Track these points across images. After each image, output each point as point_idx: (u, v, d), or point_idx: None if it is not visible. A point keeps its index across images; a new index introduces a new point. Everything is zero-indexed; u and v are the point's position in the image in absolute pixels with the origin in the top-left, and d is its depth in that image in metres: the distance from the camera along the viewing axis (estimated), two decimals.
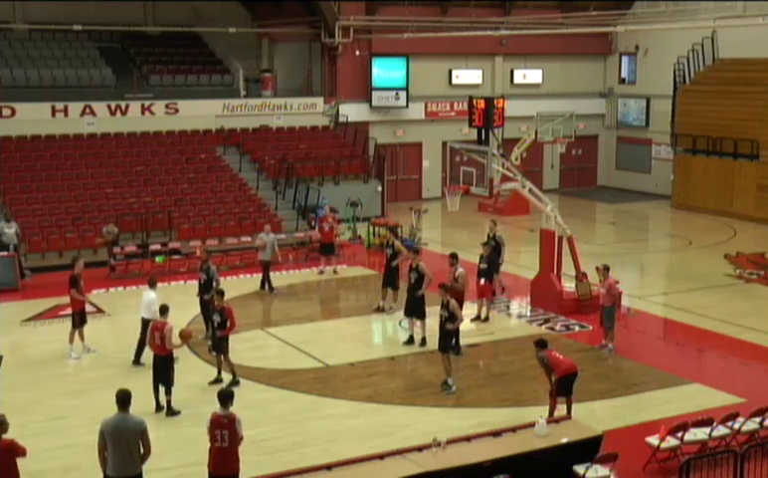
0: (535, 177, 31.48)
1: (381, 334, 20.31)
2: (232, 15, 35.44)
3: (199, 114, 32.27)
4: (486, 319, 20.18)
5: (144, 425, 10.36)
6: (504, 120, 22.21)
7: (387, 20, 34.44)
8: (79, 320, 17.80)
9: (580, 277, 20.87)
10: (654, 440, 12.71)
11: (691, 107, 34.78)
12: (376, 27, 35.09)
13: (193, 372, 16.72)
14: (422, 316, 18.39)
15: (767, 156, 32.14)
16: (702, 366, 18.03)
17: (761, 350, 18.43)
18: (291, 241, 27.04)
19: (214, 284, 18.33)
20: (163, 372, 14.79)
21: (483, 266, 20.09)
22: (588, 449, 11.88)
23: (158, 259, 24.82)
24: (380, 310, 20.87)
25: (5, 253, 23.63)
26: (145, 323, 16.42)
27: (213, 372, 16.35)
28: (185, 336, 15.58)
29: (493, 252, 20.84)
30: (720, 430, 13.06)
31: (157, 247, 25.34)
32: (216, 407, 11.04)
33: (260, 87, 34.82)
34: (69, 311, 18.44)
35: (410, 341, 18.56)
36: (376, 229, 28.23)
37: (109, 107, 30.76)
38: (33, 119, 29.67)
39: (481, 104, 20.70)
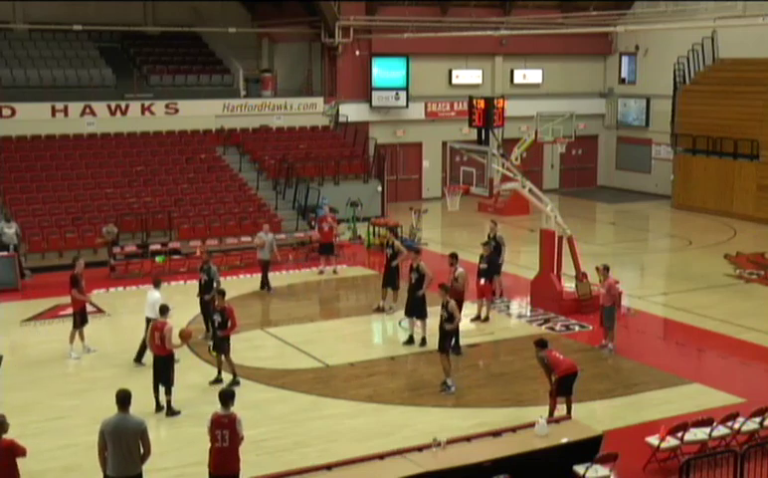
0: (535, 177, 31.48)
1: (381, 334, 20.31)
2: (232, 15, 35.44)
3: (199, 114, 32.27)
4: (486, 319, 20.18)
5: (144, 425, 10.36)
6: (504, 120, 22.22)
7: (387, 20, 34.44)
8: (80, 320, 17.80)
9: (580, 277, 20.88)
10: (654, 440, 12.71)
11: (691, 107, 34.78)
12: (376, 27, 35.09)
13: (193, 372, 16.73)
14: (423, 316, 18.39)
15: (767, 156, 32.14)
16: (702, 366, 18.03)
17: (761, 350, 18.43)
18: (291, 241, 27.04)
19: (215, 284, 18.34)
20: (163, 372, 14.79)
21: (483, 266, 20.09)
22: (588, 449, 11.88)
23: (158, 259, 24.82)
24: (380, 310, 20.87)
25: (5, 253, 23.63)
26: (148, 322, 16.39)
27: (213, 372, 16.36)
28: (185, 336, 15.58)
29: (494, 252, 20.85)
30: (720, 430, 13.05)
31: (157, 247, 25.34)
32: (216, 407, 11.04)
33: (260, 87, 34.82)
34: (69, 311, 18.46)
35: (410, 341, 18.56)
36: (376, 229, 28.23)
37: (109, 107, 30.76)
38: (33, 118, 29.67)
39: (481, 104, 20.70)
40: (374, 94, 35.69)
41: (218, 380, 15.98)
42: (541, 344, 14.32)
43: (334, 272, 24.82)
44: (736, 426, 13.14)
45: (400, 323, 19.80)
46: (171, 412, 14.75)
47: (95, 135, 30.52)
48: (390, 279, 20.85)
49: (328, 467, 11.04)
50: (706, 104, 34.00)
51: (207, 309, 18.51)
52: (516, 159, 32.21)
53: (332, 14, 33.95)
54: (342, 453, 12.28)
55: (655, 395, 15.81)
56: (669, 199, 35.97)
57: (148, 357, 16.05)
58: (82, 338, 17.83)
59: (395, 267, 20.76)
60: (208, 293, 18.44)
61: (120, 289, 23.27)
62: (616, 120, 40.22)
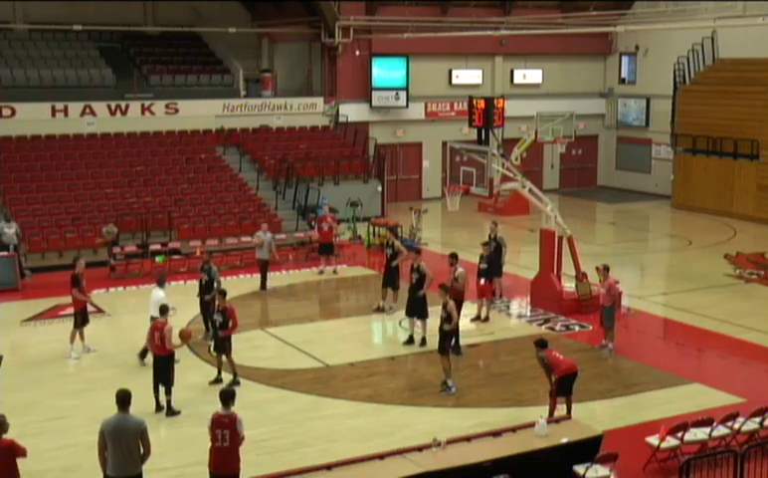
0: (535, 177, 31.48)
1: (381, 334, 20.31)
2: (232, 15, 35.44)
3: (199, 114, 32.27)
4: (486, 319, 20.18)
5: (144, 425, 10.36)
6: (504, 120, 22.21)
7: (387, 20, 34.44)
8: (80, 319, 17.80)
9: (580, 277, 20.87)
10: (654, 440, 12.71)
11: (691, 107, 34.78)
12: (376, 27, 35.10)
13: (193, 372, 16.73)
14: (423, 316, 18.38)
15: (767, 156, 32.14)
16: (702, 366, 18.03)
17: (761, 350, 18.43)
18: (291, 241, 27.05)
19: (215, 284, 18.35)
20: (163, 372, 14.79)
21: (484, 266, 20.09)
22: (588, 449, 11.88)
23: (158, 259, 24.82)
24: (380, 310, 20.87)
25: (5, 253, 23.63)
26: (153, 321, 16.36)
27: (213, 372, 16.36)
28: (185, 336, 15.59)
29: (494, 253, 20.85)
30: (720, 430, 13.05)
31: (157, 247, 25.34)
32: (216, 407, 11.04)
33: (260, 87, 34.82)
34: (69, 311, 18.46)
35: (410, 341, 18.56)
36: (376, 229, 28.23)
37: (109, 107, 30.76)
38: (33, 118, 29.67)
39: (481, 104, 20.70)
40: (374, 94, 35.69)
41: (218, 380, 15.98)
42: (541, 344, 14.32)
43: (334, 272, 24.82)
44: (736, 426, 13.14)
45: (400, 323, 19.80)
46: (171, 412, 14.75)
47: (95, 135, 30.52)
48: (390, 279, 20.85)
49: (328, 467, 11.04)
50: (706, 104, 34.00)
51: (207, 309, 18.53)
52: (516, 159, 32.21)
53: (332, 14, 33.95)
54: (342, 453, 12.28)
55: (655, 395, 15.81)
56: (669, 199, 35.97)
57: (151, 356, 16.04)
58: (82, 338, 17.84)
59: (395, 267, 20.76)
60: (208, 293, 18.44)
61: (120, 289, 23.27)
62: (616, 120, 40.22)
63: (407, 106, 36.05)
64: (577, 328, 19.78)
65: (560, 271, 21.09)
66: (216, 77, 34.38)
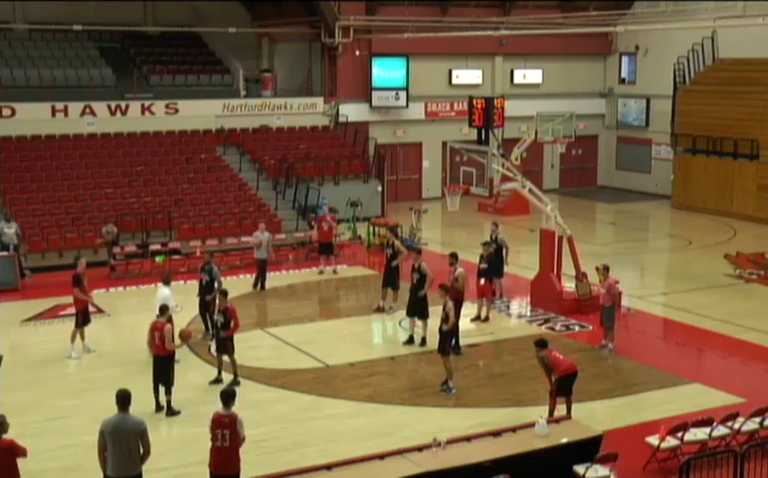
0: (535, 177, 31.48)
1: (381, 334, 20.31)
2: (232, 15, 35.44)
3: (199, 114, 32.27)
4: (486, 319, 20.18)
5: (144, 425, 10.36)
6: (504, 120, 22.19)
7: (387, 20, 34.44)
8: (82, 319, 17.80)
9: (580, 277, 20.87)
10: (654, 440, 12.71)
11: (691, 107, 34.78)
12: (376, 27, 35.10)
13: (193, 372, 16.74)
14: (424, 316, 18.38)
15: (767, 156, 32.14)
16: (702, 366, 18.03)
17: (761, 350, 18.43)
18: (291, 241, 27.05)
19: (216, 285, 18.36)
20: (163, 372, 14.79)
21: (484, 266, 20.09)
22: (588, 449, 11.88)
23: (158, 259, 24.82)
24: (380, 310, 20.87)
25: (5, 253, 23.63)
26: None
27: (213, 372, 16.37)
28: (185, 336, 15.60)
29: (495, 254, 20.85)
30: (720, 430, 13.06)
31: (157, 247, 25.34)
32: (216, 407, 11.04)
33: (260, 87, 34.82)
34: (69, 311, 18.48)
35: (410, 341, 18.56)
36: (376, 229, 28.23)
37: (109, 107, 30.76)
38: (33, 118, 29.67)
39: (481, 104, 20.69)
40: (374, 94, 35.69)
41: (218, 380, 15.99)
42: (541, 344, 14.32)
43: (334, 272, 24.82)
44: (736, 426, 13.14)
45: (400, 323, 19.81)
46: (171, 412, 14.75)
47: (95, 135, 30.52)
48: (390, 279, 20.84)
49: (328, 467, 11.04)
50: (706, 104, 34.00)
51: (207, 309, 18.54)
52: (516, 159, 32.20)
53: (332, 14, 33.95)
54: (342, 453, 12.28)
55: (655, 395, 15.81)
56: (669, 199, 35.97)
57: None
58: (82, 337, 17.83)
59: (395, 267, 20.76)
60: (209, 293, 18.46)
61: (120, 289, 23.27)
62: (616, 120, 40.22)
63: (407, 106, 36.05)
64: (577, 328, 19.78)
65: (560, 271, 21.09)
66: (216, 77, 34.38)
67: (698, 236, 30.26)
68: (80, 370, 17.35)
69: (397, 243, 21.30)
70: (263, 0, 35.92)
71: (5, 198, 26.75)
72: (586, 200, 37.70)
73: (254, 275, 23.23)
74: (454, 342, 16.81)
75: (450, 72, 37.37)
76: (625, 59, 40.34)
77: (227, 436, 10.74)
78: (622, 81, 40.57)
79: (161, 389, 14.83)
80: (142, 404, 13.38)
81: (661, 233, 32.94)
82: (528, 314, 21.09)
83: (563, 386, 13.99)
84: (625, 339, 18.72)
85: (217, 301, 16.89)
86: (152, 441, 10.45)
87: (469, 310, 19.65)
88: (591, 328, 19.45)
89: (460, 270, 18.18)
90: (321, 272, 24.84)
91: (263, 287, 22.96)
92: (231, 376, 16.01)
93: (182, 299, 20.18)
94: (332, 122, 34.84)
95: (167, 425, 14.49)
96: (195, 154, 31.02)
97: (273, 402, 15.45)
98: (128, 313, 21.15)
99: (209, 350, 17.69)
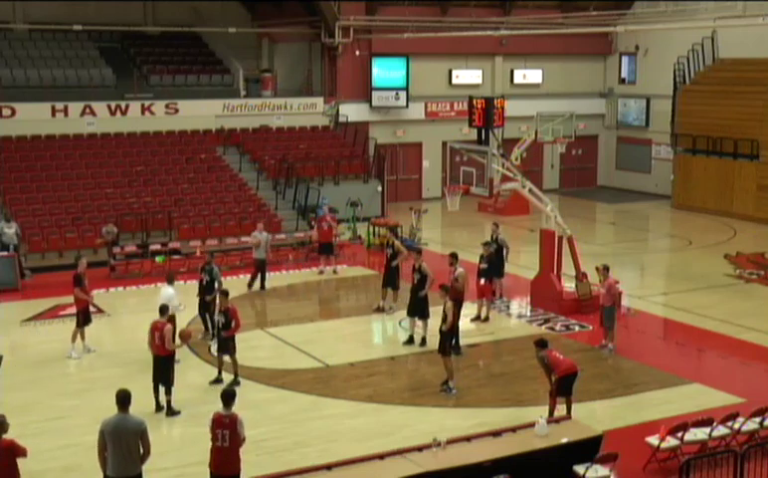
0: (535, 177, 31.48)
1: (381, 334, 20.31)
2: (232, 15, 35.44)
3: (199, 114, 32.27)
4: (486, 319, 20.18)
5: (144, 425, 10.35)
6: (504, 120, 22.19)
7: (387, 20, 34.44)
8: (83, 319, 17.80)
9: (580, 277, 20.87)
10: (654, 440, 12.71)
11: (691, 107, 34.78)
12: (376, 27, 35.09)
13: (193, 372, 16.74)
14: (424, 316, 18.38)
15: (767, 156, 32.14)
16: (702, 366, 18.03)
17: (761, 350, 18.43)
18: (291, 241, 27.05)
19: (216, 285, 18.36)
20: (163, 372, 14.79)
21: (484, 266, 20.09)
22: (588, 449, 11.88)
23: (158, 259, 24.82)
24: (380, 310, 20.87)
25: (5, 253, 23.63)
26: None
27: (213, 372, 16.37)
28: (185, 336, 15.60)
29: (495, 254, 20.85)
30: (720, 430, 13.06)
31: (157, 247, 25.34)
32: (216, 407, 11.04)
33: (260, 87, 34.82)
34: (69, 310, 18.49)
35: (410, 341, 18.56)
36: (376, 229, 28.23)
37: (109, 107, 30.76)
38: (33, 118, 29.67)
39: (481, 104, 20.69)
40: (374, 94, 35.69)
41: (218, 380, 15.99)
42: (541, 343, 14.32)
43: (334, 272, 24.82)
44: (736, 426, 13.14)
45: (400, 323, 19.80)
46: (171, 412, 14.75)
47: (95, 135, 30.53)
48: (390, 279, 20.84)
49: (328, 467, 11.04)
50: (706, 104, 34.00)
51: (207, 309, 18.54)
52: (516, 159, 32.20)
53: (332, 14, 33.95)
54: (342, 453, 12.28)
55: (655, 395, 15.81)
56: (669, 199, 35.97)
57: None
58: (83, 337, 17.83)
59: (395, 267, 20.75)
60: (209, 293, 18.45)
61: (120, 289, 23.28)
62: (616, 120, 40.22)
63: (407, 106, 36.05)
64: (577, 328, 19.78)
65: (560, 271, 21.09)
66: (216, 77, 34.38)
67: (698, 236, 30.27)
68: (80, 370, 17.35)
69: (397, 243, 21.30)
70: (263, 0, 35.92)
71: (5, 198, 26.75)
72: (586, 200, 37.70)
73: (250, 275, 23.18)
74: (454, 342, 16.81)
75: (450, 72, 37.37)
76: (625, 59, 40.34)
77: (227, 436, 10.74)
78: (622, 81, 40.57)
79: (161, 389, 14.83)
80: (142, 404, 13.37)
81: (661, 233, 32.94)
82: (528, 314, 21.09)
83: (563, 386, 13.99)
84: (625, 339, 18.72)
85: (218, 301, 16.90)
86: (152, 441, 10.45)
87: (469, 310, 19.66)
88: (591, 328, 19.45)
89: (460, 270, 18.18)
90: (321, 272, 24.84)
91: (263, 287, 22.96)
92: (231, 377, 16.00)
93: (182, 299, 20.19)
94: (332, 122, 34.84)
95: (167, 425, 14.49)
96: (195, 154, 31.01)
97: (273, 402, 15.45)
98: (128, 313, 21.15)
99: (209, 350, 17.70)
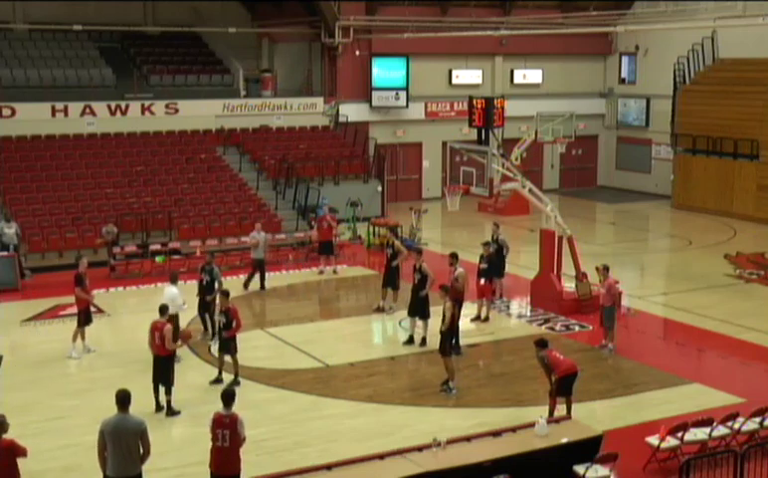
0: (535, 177, 31.48)
1: (381, 334, 20.31)
2: (232, 15, 35.44)
3: (199, 114, 32.27)
4: (486, 319, 20.18)
5: (144, 426, 10.35)
6: (504, 120, 22.20)
7: (387, 20, 34.44)
8: (84, 319, 17.80)
9: (580, 277, 20.87)
10: (654, 440, 12.71)
11: (691, 107, 34.78)
12: (376, 27, 35.10)
13: (193, 372, 16.74)
14: (425, 316, 18.38)
15: (767, 156, 32.14)
16: (702, 366, 18.03)
17: (761, 350, 18.43)
18: (291, 241, 27.05)
19: (216, 285, 18.35)
20: (163, 372, 14.79)
21: (484, 266, 20.09)
22: (588, 449, 11.89)
23: (158, 259, 24.83)
24: (380, 310, 20.87)
25: (5, 253, 23.63)
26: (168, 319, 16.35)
27: (213, 372, 16.37)
28: (185, 336, 15.60)
29: (495, 254, 20.85)
30: (720, 430, 13.06)
31: (157, 247, 25.34)
32: (216, 407, 11.04)
33: (260, 87, 34.82)
34: (69, 310, 18.50)
35: (410, 341, 18.56)
36: (376, 229, 28.23)
37: (109, 107, 30.76)
38: (33, 118, 29.66)
39: (481, 104, 20.69)
40: (374, 94, 35.69)
41: (218, 380, 15.98)
42: (541, 343, 14.32)
43: (334, 272, 24.82)
44: (736, 426, 13.14)
45: (400, 323, 19.80)
46: (171, 412, 14.75)
47: (95, 135, 30.52)
48: (390, 279, 20.84)
49: (328, 467, 11.04)
50: (706, 104, 34.00)
51: (207, 309, 18.54)
52: (516, 159, 32.20)
53: (332, 14, 33.95)
54: (342, 453, 12.28)
55: (655, 395, 15.81)
56: (669, 199, 35.97)
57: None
58: (83, 337, 17.83)
59: (395, 267, 20.75)
60: (209, 294, 18.46)
61: (120, 289, 23.27)
62: (616, 120, 40.22)
63: (407, 106, 36.05)
64: (577, 328, 19.78)
65: (560, 271, 21.08)
66: (216, 77, 34.38)
67: (698, 236, 30.27)
68: (80, 370, 17.35)
69: (397, 243, 21.30)
70: (263, 0, 35.92)
71: (5, 198, 26.75)
72: (586, 200, 37.70)
73: (255, 275, 23.17)
74: (454, 342, 16.80)
75: (450, 72, 37.37)
76: (625, 59, 40.34)
77: (227, 436, 10.74)
78: (622, 81, 40.57)
79: (161, 389, 14.83)
80: (142, 404, 13.37)
81: (661, 233, 32.94)
82: (528, 314, 21.09)
83: (563, 386, 13.99)
84: (625, 339, 18.72)
85: (218, 301, 16.89)
86: (152, 441, 10.44)
87: (469, 310, 19.66)
88: (591, 328, 19.45)
89: (460, 270, 18.18)
90: (321, 272, 24.84)
91: (262, 287, 22.96)
92: (231, 377, 16.00)
93: (186, 298, 20.20)
94: (332, 122, 34.84)
95: (167, 425, 14.48)
96: (195, 154, 31.01)
97: (273, 402, 15.45)
98: (128, 313, 21.16)
99: (209, 350, 17.71)
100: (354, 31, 34.79)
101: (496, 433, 12.17)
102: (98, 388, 15.41)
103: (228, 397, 10.99)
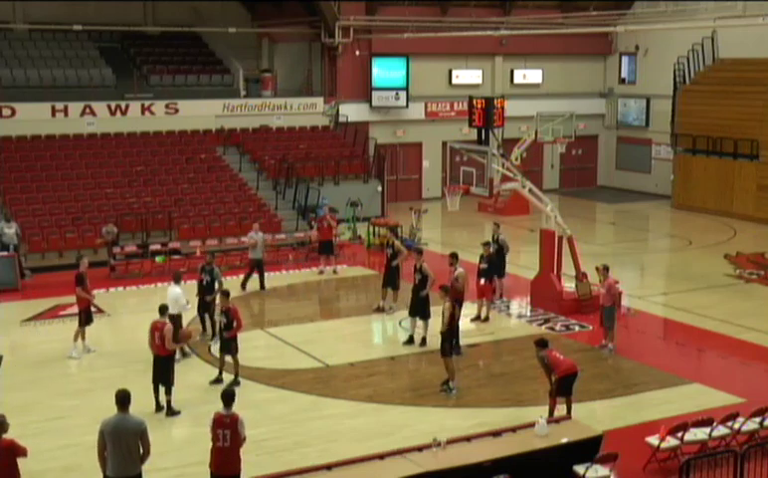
0: (535, 177, 31.48)
1: (381, 334, 20.31)
2: (232, 15, 35.44)
3: (199, 114, 32.27)
4: (486, 319, 20.18)
5: (144, 426, 10.35)
6: (504, 120, 22.20)
7: (387, 20, 34.44)
8: (85, 318, 17.80)
9: (580, 277, 20.87)
10: (654, 440, 12.71)
11: (691, 107, 34.78)
12: (376, 27, 35.10)
13: (193, 372, 16.73)
14: (425, 316, 18.38)
15: (767, 156, 32.14)
16: (702, 366, 18.03)
17: (761, 350, 18.43)
18: (291, 241, 27.05)
19: (216, 285, 18.35)
20: (163, 372, 14.79)
21: (484, 266, 20.09)
22: (588, 449, 11.89)
23: (158, 259, 24.83)
24: (380, 310, 20.87)
25: (5, 253, 23.63)
26: (171, 319, 16.29)
27: (213, 372, 16.37)
28: (184, 336, 15.59)
29: (496, 254, 20.85)
30: (720, 430, 13.06)
31: (157, 247, 25.34)
32: (216, 407, 11.05)
33: (260, 87, 34.82)
34: (69, 310, 18.49)
35: (410, 341, 18.56)
36: (376, 229, 28.23)
37: (109, 107, 30.76)
38: (33, 118, 29.66)
39: (481, 104, 20.69)
40: (374, 94, 35.69)
41: (219, 380, 15.98)
42: (541, 343, 14.31)
43: (334, 272, 24.81)
44: (736, 426, 13.14)
45: (400, 323, 19.80)
46: (171, 412, 14.75)
47: (95, 135, 30.52)
48: (390, 279, 20.84)
49: (328, 467, 11.04)
50: (706, 104, 34.00)
51: (207, 309, 18.54)
52: (516, 159, 32.20)
53: (332, 14, 33.95)
54: (342, 453, 12.28)
55: (655, 395, 15.81)
56: (669, 199, 35.97)
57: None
58: (83, 337, 17.83)
59: (395, 267, 20.75)
60: (210, 294, 18.46)
61: (120, 289, 23.27)
62: (616, 120, 40.22)
63: (407, 106, 36.06)
64: (577, 328, 19.78)
65: (560, 271, 21.08)
66: (216, 77, 34.38)
67: (698, 236, 30.27)
68: (80, 370, 17.35)
69: (397, 243, 21.30)
70: (263, 0, 35.92)
71: (5, 198, 26.75)
72: (586, 200, 37.70)
73: (255, 275, 23.15)
74: (454, 342, 16.79)
75: (450, 72, 37.37)
76: (625, 59, 40.34)
77: (228, 436, 10.74)
78: (622, 81, 40.57)
79: (161, 389, 14.82)
80: (142, 404, 13.37)
81: (661, 233, 32.94)
82: (528, 314, 21.09)
83: (563, 386, 13.99)
84: (625, 339, 18.72)
85: (218, 301, 16.88)
86: (152, 441, 10.45)
87: (469, 310, 19.66)
88: (591, 328, 19.45)
89: (459, 270, 18.18)
90: (321, 272, 24.83)
91: (262, 287, 22.96)
92: (231, 377, 16.00)
93: (189, 298, 20.21)
94: (332, 122, 34.84)
95: (167, 425, 14.48)
96: (195, 154, 31.01)
97: (273, 402, 15.45)
98: (128, 313, 21.16)
99: (209, 349, 17.71)
100: (354, 31, 34.79)
101: (496, 433, 12.17)
102: (99, 388, 15.41)
103: (228, 397, 10.99)
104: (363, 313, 21.27)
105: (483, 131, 20.72)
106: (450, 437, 11.85)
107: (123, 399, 10.38)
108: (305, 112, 34.27)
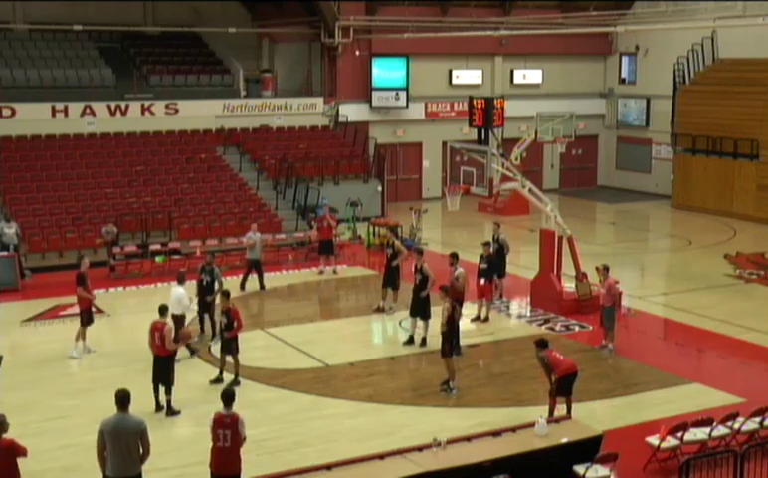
0: (535, 177, 31.48)
1: (381, 334, 20.31)
2: (232, 15, 35.44)
3: (199, 114, 32.27)
4: (486, 319, 20.18)
5: (144, 426, 10.35)
6: (504, 120, 22.20)
7: (387, 20, 34.45)
8: (86, 318, 17.80)
9: (580, 277, 20.87)
10: (654, 440, 12.71)
11: (691, 107, 34.78)
12: (376, 27, 35.10)
13: (193, 372, 16.73)
14: (426, 316, 18.38)
15: (767, 156, 32.14)
16: (702, 366, 18.03)
17: (761, 350, 18.43)
18: (291, 241, 27.05)
19: (216, 285, 18.35)
20: (163, 372, 14.79)
21: (484, 266, 20.09)
22: (588, 449, 11.89)
23: (158, 259, 24.83)
24: (380, 310, 20.87)
25: (5, 253, 23.64)
26: (174, 319, 16.36)
27: (213, 372, 16.37)
28: (184, 336, 15.59)
29: (496, 254, 20.85)
30: (720, 430, 13.06)
31: (157, 247, 25.34)
32: (216, 407, 11.05)
33: (260, 87, 34.82)
34: (69, 310, 18.45)
35: (410, 341, 18.56)
36: (376, 229, 28.23)
37: (109, 107, 30.76)
38: (33, 118, 29.66)
39: (481, 104, 20.69)
40: (374, 94, 35.69)
41: (219, 380, 15.98)
42: (541, 343, 14.32)
43: (334, 272, 24.81)
44: (736, 426, 13.14)
45: (400, 323, 19.81)
46: (171, 412, 14.75)
47: (95, 135, 30.52)
48: (390, 279, 20.84)
49: (328, 467, 11.04)
50: (706, 104, 34.00)
51: (207, 309, 18.54)
52: (516, 159, 32.20)
53: (332, 14, 33.95)
54: (342, 453, 12.28)
55: (655, 395, 15.81)
56: (669, 199, 35.97)
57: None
58: (83, 337, 17.82)
59: (395, 267, 20.75)
60: (210, 294, 18.46)
61: (120, 289, 23.27)
62: (616, 120, 40.22)
63: (407, 106, 36.06)
64: (577, 328, 19.78)
65: (560, 271, 21.09)
66: (216, 77, 34.38)
67: (698, 236, 30.27)
68: (80, 370, 17.36)
69: (397, 243, 21.30)
70: (263, 0, 35.92)
71: (5, 198, 26.75)
72: (586, 200, 37.70)
73: (255, 275, 23.16)
74: (454, 342, 16.79)
75: (450, 72, 37.37)
76: (625, 59, 40.34)
77: (228, 436, 10.74)
78: (622, 81, 40.57)
79: (161, 389, 14.83)
80: (142, 404, 13.38)
81: (661, 233, 32.94)
82: (528, 314, 21.09)
83: (563, 386, 13.99)
84: (625, 339, 18.72)
85: (218, 302, 16.88)
86: (152, 441, 10.45)
87: (469, 310, 19.66)
88: (591, 328, 19.45)
89: (459, 270, 18.19)
90: (321, 272, 24.83)
91: (262, 287, 22.97)
92: (231, 377, 16.00)
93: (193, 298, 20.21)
94: (332, 122, 34.84)
95: (167, 425, 14.47)
96: (195, 154, 31.02)
97: (273, 402, 15.45)
98: (128, 313, 21.16)
99: (209, 349, 17.71)
100: (354, 31, 34.79)
101: (496, 433, 12.17)
102: (99, 388, 15.41)
103: (228, 397, 11.00)
104: (363, 313, 21.27)
105: (483, 131, 20.72)
106: (450, 437, 11.85)
107: (123, 399, 10.38)
108: (305, 112, 34.27)
